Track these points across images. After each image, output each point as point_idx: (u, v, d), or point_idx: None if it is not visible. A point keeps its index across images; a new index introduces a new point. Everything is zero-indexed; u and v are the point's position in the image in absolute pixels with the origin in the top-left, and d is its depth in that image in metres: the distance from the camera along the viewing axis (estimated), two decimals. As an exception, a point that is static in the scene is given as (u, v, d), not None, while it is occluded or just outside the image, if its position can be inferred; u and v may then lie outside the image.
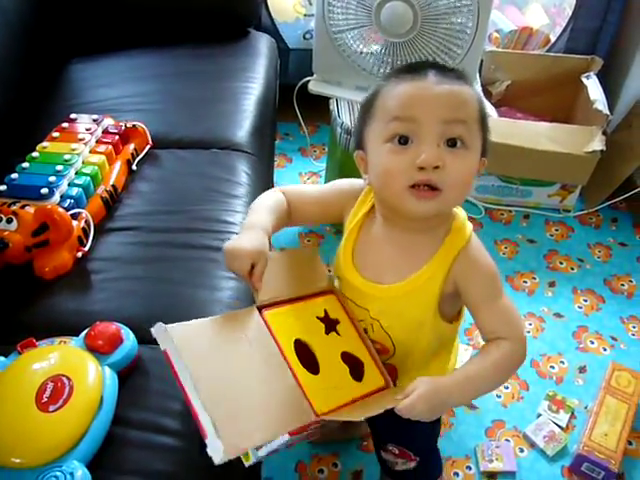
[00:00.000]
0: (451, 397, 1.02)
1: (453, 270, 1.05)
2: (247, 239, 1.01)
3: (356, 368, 1.08)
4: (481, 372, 1.04)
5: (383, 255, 1.09)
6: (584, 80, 2.43)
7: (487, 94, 2.47)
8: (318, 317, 1.10)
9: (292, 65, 2.57)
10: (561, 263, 2.26)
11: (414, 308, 1.09)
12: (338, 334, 1.10)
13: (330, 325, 1.10)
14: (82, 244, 1.36)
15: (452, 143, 0.96)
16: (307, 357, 1.03)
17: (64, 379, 1.03)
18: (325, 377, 1.02)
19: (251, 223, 1.06)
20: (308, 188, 1.20)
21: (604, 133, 2.29)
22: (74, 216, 1.37)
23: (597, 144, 2.22)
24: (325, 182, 2.40)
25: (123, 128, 1.61)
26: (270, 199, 1.14)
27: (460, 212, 1.11)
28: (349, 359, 1.08)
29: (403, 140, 0.96)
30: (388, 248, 1.09)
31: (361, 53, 1.96)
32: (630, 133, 2.41)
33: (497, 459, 1.66)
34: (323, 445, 1.65)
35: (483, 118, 1.02)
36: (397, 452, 1.29)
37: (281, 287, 1.08)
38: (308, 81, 2.10)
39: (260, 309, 1.05)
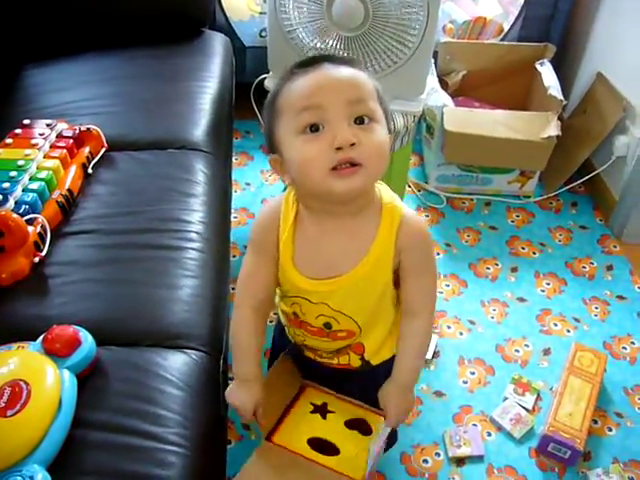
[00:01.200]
0: (410, 388, 1.22)
1: (399, 242, 1.09)
2: (246, 396, 1.17)
3: (362, 425, 1.24)
4: (414, 355, 1.20)
5: (328, 250, 1.10)
6: (538, 67, 2.46)
7: (443, 85, 2.49)
8: (311, 412, 1.25)
9: (249, 63, 2.58)
10: (523, 248, 2.29)
11: (373, 287, 1.13)
12: (332, 412, 1.25)
13: (322, 411, 1.26)
14: (39, 249, 1.36)
15: (360, 121, 1.00)
16: (323, 445, 1.19)
17: (22, 384, 1.03)
18: (346, 450, 1.19)
19: (244, 375, 1.18)
20: (246, 261, 1.18)
21: (559, 118, 2.33)
22: (29, 221, 1.36)
23: (553, 129, 2.26)
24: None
25: (77, 132, 1.60)
26: (245, 335, 1.18)
27: (384, 188, 1.14)
28: (353, 423, 1.24)
29: (314, 128, 0.99)
30: (330, 241, 1.10)
31: (316, 48, 1.97)
32: (585, 118, 2.45)
33: (465, 444, 1.68)
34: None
35: (380, 97, 1.06)
36: None
37: (275, 408, 1.23)
38: (265, 78, 2.11)
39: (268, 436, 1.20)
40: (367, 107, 1.01)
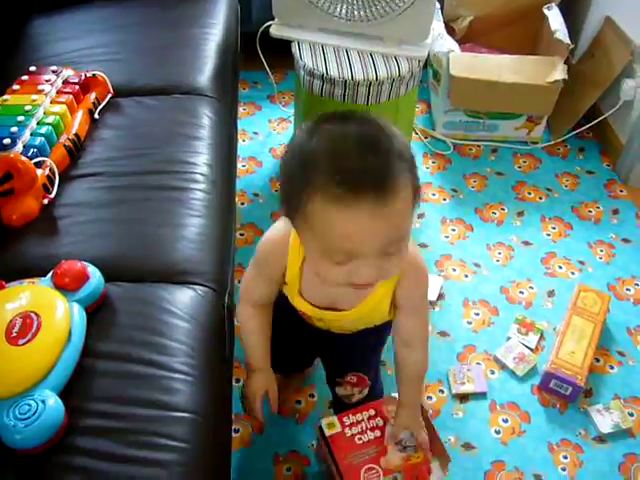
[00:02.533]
0: (419, 414, 1.31)
1: (399, 287, 1.14)
2: (254, 385, 1.28)
3: None
4: (416, 382, 1.29)
5: (330, 291, 1.13)
6: (545, 11, 2.44)
7: (450, 31, 2.48)
8: None
9: (256, 12, 2.56)
10: (529, 193, 2.30)
11: (371, 320, 1.23)
12: None
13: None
14: (48, 191, 1.39)
15: (389, 253, 0.95)
16: None
17: (33, 315, 1.07)
18: None
19: (252, 365, 1.29)
20: (252, 274, 1.22)
21: (567, 63, 2.32)
22: (38, 164, 1.39)
23: (559, 73, 2.25)
24: (295, 126, 2.42)
25: (83, 78, 1.62)
26: (251, 329, 1.27)
27: None
28: None
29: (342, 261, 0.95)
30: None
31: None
32: (593, 62, 2.43)
33: (468, 381, 1.71)
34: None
35: (416, 191, 0.95)
36: (355, 380, 1.36)
37: None
38: (270, 26, 2.12)
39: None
40: (400, 245, 0.95)
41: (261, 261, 1.19)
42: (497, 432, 1.64)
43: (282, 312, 1.36)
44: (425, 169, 2.36)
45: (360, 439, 1.29)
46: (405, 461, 1.26)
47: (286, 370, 1.64)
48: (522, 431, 1.65)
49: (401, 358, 1.25)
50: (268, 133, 2.49)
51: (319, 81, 1.99)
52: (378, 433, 1.30)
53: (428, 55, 2.39)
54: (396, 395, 1.30)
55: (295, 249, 1.10)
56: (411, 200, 0.93)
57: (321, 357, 1.53)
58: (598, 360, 1.79)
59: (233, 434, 1.59)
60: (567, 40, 2.29)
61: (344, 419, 1.31)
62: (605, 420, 1.66)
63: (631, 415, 1.68)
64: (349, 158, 0.87)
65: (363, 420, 1.32)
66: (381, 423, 1.31)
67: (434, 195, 2.26)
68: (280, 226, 1.13)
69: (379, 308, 1.17)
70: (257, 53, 2.26)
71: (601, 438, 1.64)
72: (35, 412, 0.96)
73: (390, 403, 1.32)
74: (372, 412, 1.32)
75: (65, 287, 1.14)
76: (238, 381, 1.70)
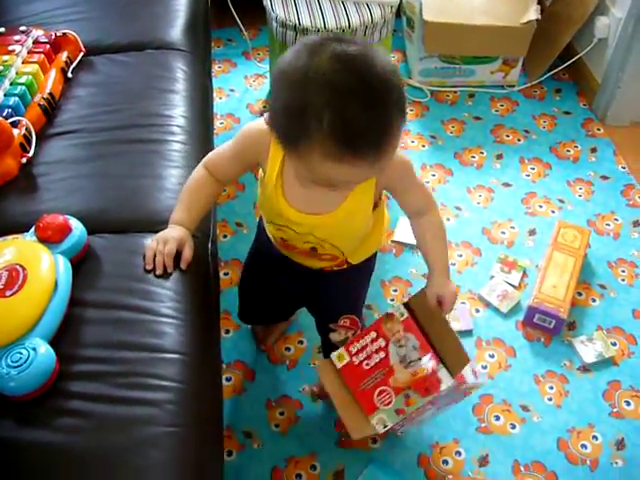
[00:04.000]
0: (448, 274, 1.25)
1: (380, 184, 1.14)
2: (171, 232, 1.19)
3: None
4: (438, 243, 1.25)
5: (310, 191, 1.09)
6: (517, -48, 2.43)
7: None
8: None
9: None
10: (507, 136, 2.31)
11: (355, 223, 1.20)
12: None
13: None
14: (25, 151, 1.39)
15: None
16: None
17: (18, 267, 1.08)
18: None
19: (179, 220, 1.22)
20: (226, 151, 1.21)
21: (540, 3, 2.32)
22: (13, 124, 1.39)
23: (532, 14, 2.25)
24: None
25: (54, 37, 1.61)
26: (195, 188, 1.23)
27: None
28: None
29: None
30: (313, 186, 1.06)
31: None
32: (567, 1, 2.43)
33: (454, 320, 1.74)
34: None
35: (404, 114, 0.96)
36: (348, 323, 1.36)
37: None
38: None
39: None
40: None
41: (240, 144, 1.18)
42: (484, 367, 1.67)
43: (266, 261, 1.38)
44: (403, 117, 2.36)
45: (367, 364, 1.27)
46: (413, 376, 1.23)
47: (269, 321, 1.67)
48: (508, 365, 1.68)
49: (418, 228, 1.25)
50: (245, 89, 2.48)
51: (292, 32, 1.99)
52: (382, 354, 1.26)
53: (401, 3, 2.39)
54: (392, 311, 1.28)
55: (276, 146, 1.07)
56: (400, 134, 0.95)
57: (310, 306, 1.54)
58: (580, 294, 1.83)
59: (225, 382, 1.62)
60: (539, -20, 2.29)
61: (350, 348, 1.29)
62: (588, 350, 1.70)
63: (614, 345, 1.72)
64: (354, 112, 0.86)
65: (367, 345, 1.29)
66: (383, 344, 1.27)
67: (413, 142, 2.27)
68: (261, 125, 1.10)
69: (361, 207, 1.16)
70: (230, 10, 2.25)
71: (585, 368, 1.68)
72: (27, 359, 0.98)
73: (388, 321, 1.28)
74: (374, 334, 1.28)
75: (48, 240, 1.15)
76: (227, 332, 1.72)
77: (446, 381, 1.20)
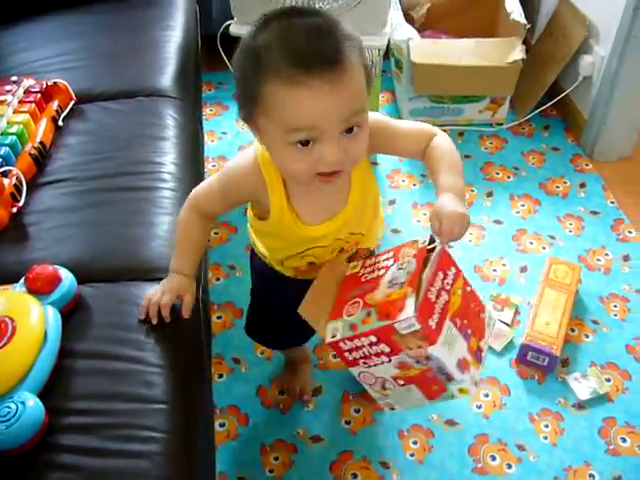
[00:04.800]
0: (460, 197, 1.07)
1: (373, 150, 1.15)
2: (171, 283, 1.19)
3: None
4: (449, 161, 1.12)
5: (325, 197, 1.13)
6: (501, -6, 2.48)
7: (409, 20, 2.51)
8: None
9: (215, 13, 2.58)
10: (497, 173, 2.33)
11: (369, 197, 1.20)
12: None
13: None
14: (16, 200, 1.40)
15: (349, 130, 0.97)
16: None
17: (7, 320, 1.08)
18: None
19: (178, 268, 1.21)
20: (213, 189, 1.19)
21: (525, 43, 2.36)
22: (4, 174, 1.40)
23: (518, 53, 2.28)
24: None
25: (45, 86, 1.63)
26: (186, 231, 1.22)
27: None
28: None
29: (305, 143, 0.96)
30: (315, 193, 1.11)
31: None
32: (551, 40, 2.47)
33: (448, 360, 1.74)
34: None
35: (367, 70, 1.00)
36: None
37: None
38: (230, 25, 2.13)
39: None
40: (359, 117, 0.98)
41: (230, 187, 1.17)
42: (479, 407, 1.67)
43: (276, 285, 1.35)
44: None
45: (365, 277, 1.15)
46: (386, 297, 1.07)
47: (289, 344, 1.62)
48: (503, 404, 1.67)
49: (427, 156, 1.14)
50: (236, 132, 2.51)
51: (281, 76, 2.01)
52: (383, 272, 1.13)
53: (389, 45, 2.42)
54: (418, 238, 1.13)
55: (270, 173, 1.10)
56: (363, 77, 0.98)
57: None
58: (573, 330, 1.83)
59: (219, 428, 1.61)
60: (523, 20, 2.33)
61: (367, 262, 1.19)
62: (583, 387, 1.69)
63: (608, 381, 1.71)
64: (299, 40, 0.93)
65: (380, 262, 1.17)
66: (391, 263, 1.13)
67: (404, 181, 2.28)
68: (245, 161, 1.13)
69: (365, 177, 1.16)
70: (220, 54, 2.28)
71: (580, 405, 1.67)
72: (15, 414, 0.97)
73: (409, 246, 1.14)
74: (390, 254, 1.15)
75: (38, 291, 1.15)
76: (221, 376, 1.72)
77: (407, 312, 1.00)
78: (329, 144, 0.96)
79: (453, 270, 1.09)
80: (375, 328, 1.02)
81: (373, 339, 1.02)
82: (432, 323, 1.00)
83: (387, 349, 1.03)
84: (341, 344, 1.06)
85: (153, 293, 1.19)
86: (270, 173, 1.10)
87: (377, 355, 1.05)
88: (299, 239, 1.17)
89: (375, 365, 1.07)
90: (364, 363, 1.08)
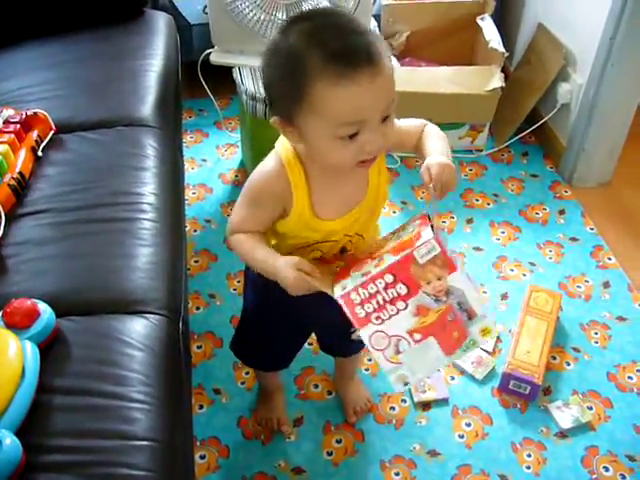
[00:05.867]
0: (446, 155, 1.14)
1: None
2: (287, 271, 1.11)
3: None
4: (440, 138, 1.21)
5: (344, 191, 1.18)
6: (480, 22, 2.50)
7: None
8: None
9: (196, 41, 2.59)
10: (477, 200, 2.34)
11: (381, 201, 1.27)
12: None
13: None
14: (-6, 232, 1.38)
15: (385, 117, 1.04)
16: None
17: (-16, 356, 1.06)
18: None
19: (272, 260, 1.15)
20: (243, 210, 1.20)
21: (504, 71, 2.38)
22: (-18, 206, 1.38)
23: (496, 81, 2.31)
24: (242, 151, 2.44)
25: (24, 116, 1.61)
26: (252, 244, 1.19)
27: None
28: None
29: (353, 135, 1.02)
30: (344, 183, 1.17)
31: (258, 20, 2.00)
32: (530, 68, 2.51)
33: (430, 389, 1.74)
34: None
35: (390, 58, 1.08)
36: None
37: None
38: (210, 53, 2.14)
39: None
40: (393, 107, 1.05)
41: (256, 193, 1.18)
42: (461, 437, 1.66)
43: (277, 306, 1.33)
44: (374, 184, 2.38)
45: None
46: (396, 244, 1.06)
47: (275, 364, 1.61)
48: (485, 434, 1.67)
49: (416, 144, 1.23)
50: (217, 159, 2.50)
51: (262, 105, 2.02)
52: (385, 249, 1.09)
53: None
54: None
55: (293, 171, 1.13)
56: (392, 70, 1.04)
57: (321, 330, 1.57)
58: (555, 358, 1.83)
59: (199, 460, 1.59)
60: (502, 49, 2.36)
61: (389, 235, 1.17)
62: (565, 416, 1.69)
63: (590, 409, 1.72)
64: (337, 40, 0.98)
65: (397, 231, 1.14)
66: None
67: (384, 209, 2.28)
68: (269, 166, 1.16)
69: (382, 181, 1.21)
70: (200, 81, 2.29)
71: (562, 434, 1.67)
72: (-8, 453, 0.96)
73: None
74: (418, 221, 1.07)
75: (16, 325, 1.13)
76: (201, 407, 1.70)
77: (426, 235, 0.99)
78: (373, 133, 1.03)
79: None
80: (391, 263, 1.00)
81: (389, 279, 1.00)
82: (450, 255, 0.99)
83: (404, 290, 1.00)
84: (353, 295, 1.02)
85: (284, 276, 1.11)
86: (294, 172, 1.14)
87: (392, 302, 1.01)
88: (314, 233, 1.20)
89: (390, 317, 1.02)
90: (377, 318, 1.02)
